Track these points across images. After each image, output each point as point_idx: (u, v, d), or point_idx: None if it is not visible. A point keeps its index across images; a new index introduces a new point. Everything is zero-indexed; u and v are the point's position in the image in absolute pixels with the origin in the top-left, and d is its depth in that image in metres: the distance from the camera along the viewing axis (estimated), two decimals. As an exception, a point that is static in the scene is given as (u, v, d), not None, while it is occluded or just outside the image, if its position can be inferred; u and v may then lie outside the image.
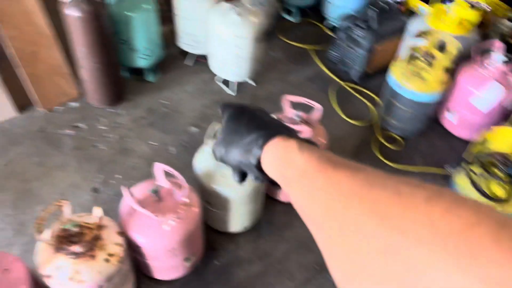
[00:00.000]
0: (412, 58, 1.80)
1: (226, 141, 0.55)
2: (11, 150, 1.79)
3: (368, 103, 2.15)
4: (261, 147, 0.50)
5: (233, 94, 2.12)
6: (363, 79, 2.21)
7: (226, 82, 2.14)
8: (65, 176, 1.72)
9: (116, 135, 1.89)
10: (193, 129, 1.94)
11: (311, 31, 2.55)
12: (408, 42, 1.93)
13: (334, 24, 2.43)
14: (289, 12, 2.59)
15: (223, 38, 1.86)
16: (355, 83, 2.22)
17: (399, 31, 2.11)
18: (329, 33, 2.51)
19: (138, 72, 2.12)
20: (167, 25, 2.34)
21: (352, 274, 0.33)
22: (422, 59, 1.77)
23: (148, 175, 1.34)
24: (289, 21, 2.59)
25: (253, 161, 0.51)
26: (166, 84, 2.15)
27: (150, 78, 2.13)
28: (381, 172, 0.37)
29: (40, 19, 1.77)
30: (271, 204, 1.65)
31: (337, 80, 2.24)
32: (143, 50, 1.97)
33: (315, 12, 2.62)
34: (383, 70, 2.04)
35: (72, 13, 1.62)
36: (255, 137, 0.51)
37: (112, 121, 1.95)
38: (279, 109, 1.54)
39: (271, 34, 2.42)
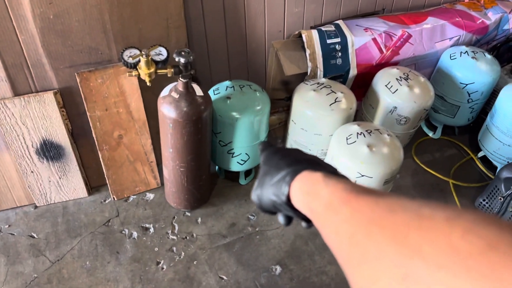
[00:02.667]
0: None
1: (260, 183, 0.56)
2: (68, 243, 1.54)
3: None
4: (289, 183, 0.50)
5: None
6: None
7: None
8: (112, 298, 1.41)
9: (184, 253, 1.54)
10: (276, 269, 1.52)
11: (454, 157, 1.99)
12: None
13: (492, 162, 1.85)
14: (430, 127, 2.07)
15: (343, 169, 1.43)
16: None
17: None
18: (481, 167, 1.92)
19: (232, 171, 1.78)
20: (277, 115, 1.99)
21: None
22: None
23: None
24: (427, 135, 2.07)
25: (283, 198, 0.51)
26: (260, 193, 1.76)
27: (243, 181, 1.77)
28: (404, 197, 0.36)
29: (135, 102, 1.52)
30: None
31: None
32: (243, 156, 1.62)
33: (465, 132, 2.07)
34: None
35: (166, 112, 1.32)
36: (283, 175, 0.51)
37: (186, 231, 1.61)
38: None
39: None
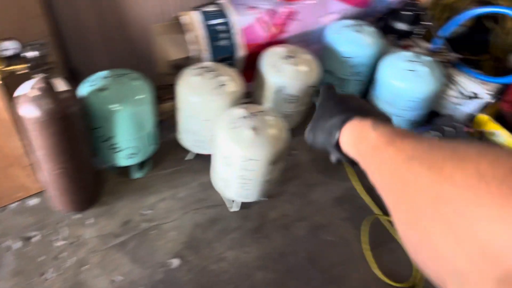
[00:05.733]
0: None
1: (314, 127, 0.67)
2: None
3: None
4: (339, 129, 0.59)
5: (236, 209, 1.65)
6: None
7: (230, 194, 1.68)
8: (-10, 320, 1.29)
9: (73, 259, 1.44)
10: (174, 262, 1.48)
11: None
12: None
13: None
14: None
15: (228, 156, 1.40)
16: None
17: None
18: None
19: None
20: (171, 102, 1.91)
21: (412, 224, 0.37)
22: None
23: None
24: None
25: (333, 141, 0.60)
26: (155, 184, 1.70)
27: (137, 175, 1.70)
28: (443, 140, 0.41)
29: (-2, 102, 1.36)
30: None
31: (377, 209, 1.72)
32: (130, 149, 1.54)
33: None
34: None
35: (25, 113, 1.20)
36: (335, 121, 0.60)
37: (75, 234, 1.51)
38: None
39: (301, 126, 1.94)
